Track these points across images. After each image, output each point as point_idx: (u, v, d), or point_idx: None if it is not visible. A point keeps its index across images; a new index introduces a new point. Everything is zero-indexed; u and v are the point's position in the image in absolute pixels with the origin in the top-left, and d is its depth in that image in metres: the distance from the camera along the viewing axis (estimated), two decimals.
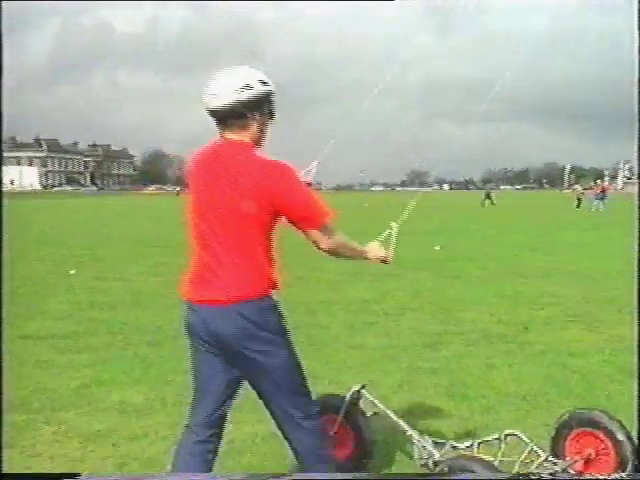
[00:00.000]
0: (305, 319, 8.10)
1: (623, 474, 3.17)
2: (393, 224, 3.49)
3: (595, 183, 49.89)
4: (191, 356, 3.10)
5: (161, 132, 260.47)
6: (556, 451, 3.52)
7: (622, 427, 3.33)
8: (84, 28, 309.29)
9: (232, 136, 2.95)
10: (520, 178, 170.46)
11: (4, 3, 3.22)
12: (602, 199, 39.71)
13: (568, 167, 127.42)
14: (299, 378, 3.07)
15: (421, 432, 3.75)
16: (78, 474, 2.28)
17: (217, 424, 3.09)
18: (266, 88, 2.95)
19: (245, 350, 2.90)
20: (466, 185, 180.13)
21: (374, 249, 3.27)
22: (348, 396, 3.74)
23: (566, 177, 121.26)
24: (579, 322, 7.70)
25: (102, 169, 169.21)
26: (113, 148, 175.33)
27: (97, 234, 21.28)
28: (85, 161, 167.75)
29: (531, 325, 7.57)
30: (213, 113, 2.94)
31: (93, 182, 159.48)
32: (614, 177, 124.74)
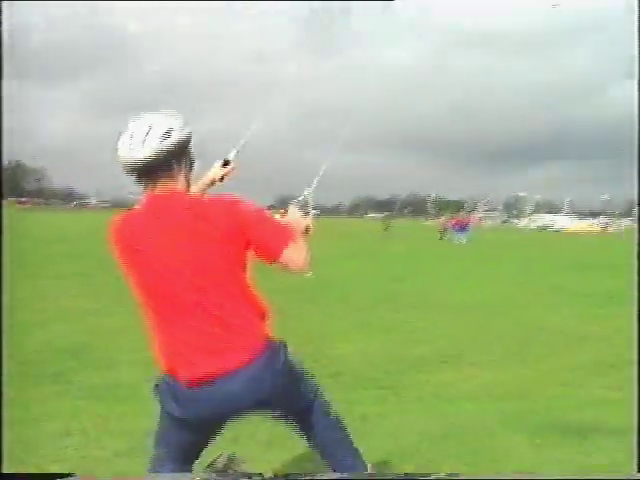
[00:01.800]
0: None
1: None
2: (307, 189, 3.29)
3: (455, 215, 51.57)
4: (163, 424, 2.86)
5: (18, 143, 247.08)
6: None
7: None
8: None
9: (159, 191, 2.66)
10: (386, 206, 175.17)
11: None
12: (464, 231, 40.92)
13: (432, 196, 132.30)
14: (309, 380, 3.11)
15: None
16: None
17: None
18: (187, 131, 2.69)
19: (275, 401, 2.79)
20: (334, 212, 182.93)
21: (301, 220, 2.99)
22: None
23: (430, 207, 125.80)
24: (453, 364, 7.39)
25: None
26: None
27: None
28: None
29: (403, 366, 7.16)
30: (135, 167, 2.62)
31: None
32: (473, 209, 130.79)
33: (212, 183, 3.24)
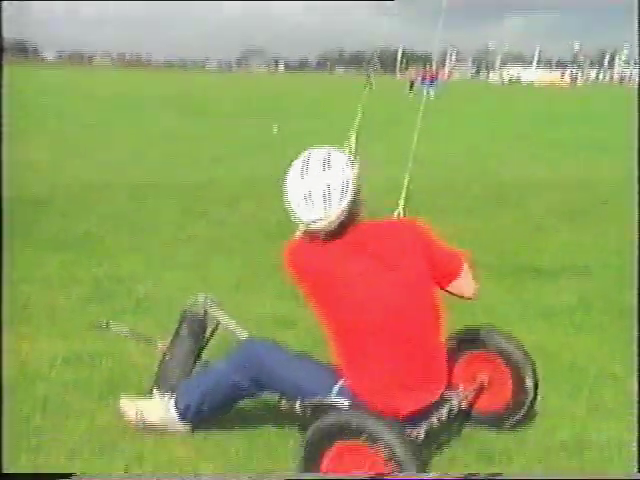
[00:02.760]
0: (128, 205, 7.20)
1: None
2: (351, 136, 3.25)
3: (424, 68, 50.35)
4: None
5: None
6: None
7: (519, 347, 2.82)
8: None
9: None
10: (354, 61, 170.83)
11: None
12: (433, 84, 40.17)
13: (400, 50, 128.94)
14: None
15: None
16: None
17: None
18: (357, 171, 2.49)
19: None
20: (301, 67, 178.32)
21: None
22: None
23: (398, 61, 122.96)
24: (423, 213, 7.29)
25: None
26: None
27: None
28: None
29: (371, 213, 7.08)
30: (317, 230, 2.48)
31: None
32: (442, 63, 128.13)
33: None
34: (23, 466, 2.47)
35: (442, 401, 2.59)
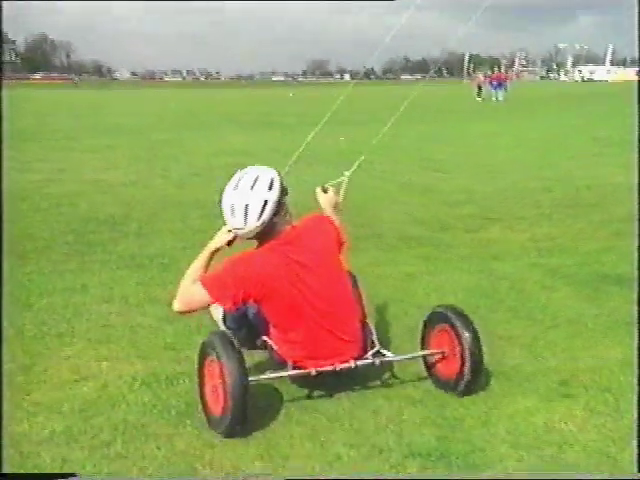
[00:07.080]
0: (200, 222, 7.25)
1: None
2: (346, 172, 3.83)
3: (492, 71, 49.57)
4: None
5: (45, 16, 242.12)
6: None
7: (468, 325, 3.18)
8: None
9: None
10: (420, 68, 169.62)
11: None
12: (501, 88, 39.46)
13: (467, 55, 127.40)
14: None
15: None
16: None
17: None
18: (277, 186, 2.97)
19: None
20: (367, 75, 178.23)
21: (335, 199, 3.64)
22: None
23: (465, 65, 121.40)
24: (499, 220, 7.15)
25: None
26: None
27: None
28: None
29: (448, 225, 6.96)
30: (244, 236, 3.07)
31: None
32: (511, 65, 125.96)
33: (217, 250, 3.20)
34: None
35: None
